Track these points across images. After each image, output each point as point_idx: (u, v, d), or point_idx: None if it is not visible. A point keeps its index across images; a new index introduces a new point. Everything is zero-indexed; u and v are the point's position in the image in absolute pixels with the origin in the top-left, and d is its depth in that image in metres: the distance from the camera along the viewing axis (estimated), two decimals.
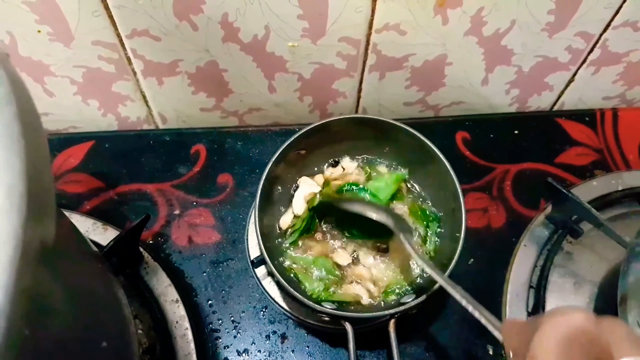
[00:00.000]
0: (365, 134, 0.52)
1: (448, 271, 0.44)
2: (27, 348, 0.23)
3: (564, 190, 0.52)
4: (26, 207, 0.18)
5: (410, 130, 0.49)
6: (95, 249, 0.46)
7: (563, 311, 0.28)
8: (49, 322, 0.28)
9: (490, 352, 0.51)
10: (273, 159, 0.49)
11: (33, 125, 0.20)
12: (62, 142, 0.62)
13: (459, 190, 0.47)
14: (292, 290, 0.44)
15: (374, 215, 0.45)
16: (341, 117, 0.51)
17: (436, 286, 0.43)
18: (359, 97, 0.65)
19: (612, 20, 0.57)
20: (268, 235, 0.50)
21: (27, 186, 0.18)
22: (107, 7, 0.50)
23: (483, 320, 0.35)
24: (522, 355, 0.28)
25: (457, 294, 0.38)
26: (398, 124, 0.50)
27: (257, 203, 0.47)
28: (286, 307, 0.51)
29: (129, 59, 0.56)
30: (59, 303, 0.29)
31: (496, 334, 0.34)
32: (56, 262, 0.31)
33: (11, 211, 0.17)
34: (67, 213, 0.55)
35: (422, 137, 0.49)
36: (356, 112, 0.68)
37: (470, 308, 0.37)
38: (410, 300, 0.43)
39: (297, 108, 0.66)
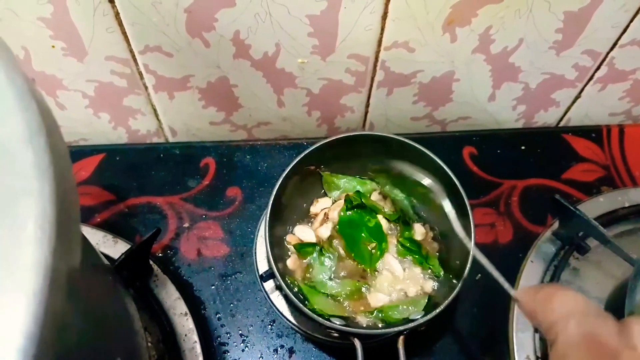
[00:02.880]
0: (374, 151, 0.53)
1: (459, 286, 0.44)
2: None
3: (571, 207, 0.53)
4: (56, 236, 0.18)
5: (419, 148, 0.50)
6: (106, 262, 0.47)
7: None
8: (65, 337, 0.28)
9: None
10: (284, 174, 0.49)
11: (61, 154, 0.21)
12: (73, 154, 0.62)
13: (468, 205, 0.47)
14: (300, 305, 0.44)
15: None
16: (352, 134, 0.51)
17: (445, 303, 0.44)
18: (366, 112, 0.66)
19: (619, 39, 0.58)
20: (277, 249, 0.50)
21: (57, 215, 0.18)
22: (120, 24, 0.51)
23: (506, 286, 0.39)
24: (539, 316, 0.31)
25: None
26: (407, 141, 0.50)
27: (268, 217, 0.47)
28: (294, 322, 0.51)
29: (140, 74, 0.57)
30: (74, 318, 0.30)
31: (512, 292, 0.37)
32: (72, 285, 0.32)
33: (42, 240, 0.17)
34: None
35: (432, 154, 0.49)
36: (363, 126, 0.68)
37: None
38: (419, 317, 0.44)
39: (305, 122, 0.66)
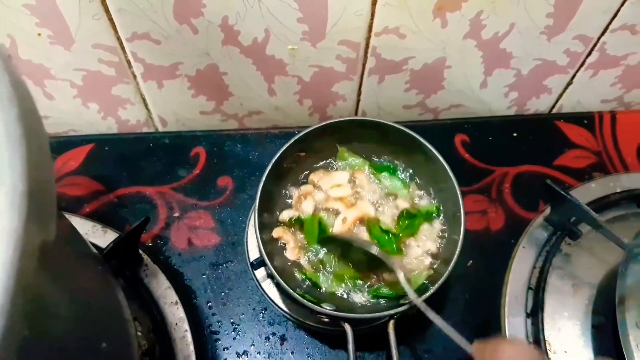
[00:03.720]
0: (365, 137, 0.53)
1: (447, 273, 0.44)
2: (27, 348, 0.23)
3: (563, 192, 0.53)
4: (27, 208, 0.18)
5: (410, 133, 0.50)
6: (95, 251, 0.46)
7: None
8: (49, 322, 0.28)
9: None
10: (273, 160, 0.49)
11: (35, 126, 0.20)
12: (61, 145, 0.62)
13: (458, 192, 0.47)
14: (291, 291, 0.44)
15: (373, 249, 0.46)
16: (341, 119, 0.51)
17: (435, 287, 0.44)
18: (358, 100, 0.65)
19: (610, 23, 0.58)
20: (267, 237, 0.50)
21: (29, 187, 0.18)
22: (107, 10, 0.50)
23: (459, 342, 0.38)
24: None
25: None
26: (397, 126, 0.50)
27: (257, 205, 0.47)
28: (285, 309, 0.51)
29: (129, 62, 0.56)
30: (59, 304, 0.29)
31: (468, 349, 0.37)
32: (56, 264, 0.31)
33: (12, 211, 0.17)
34: (67, 216, 0.55)
35: (422, 140, 0.49)
36: (355, 115, 0.68)
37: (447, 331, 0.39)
38: (409, 301, 0.43)
39: (296, 111, 0.66)
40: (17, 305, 0.17)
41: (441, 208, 0.51)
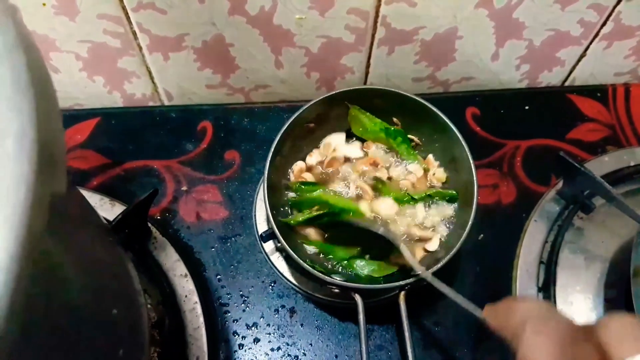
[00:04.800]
0: (375, 107, 0.52)
1: (458, 245, 0.44)
2: (39, 307, 0.23)
3: (577, 165, 0.52)
4: (37, 154, 0.17)
5: (422, 102, 0.49)
6: (104, 221, 0.46)
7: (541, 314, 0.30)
8: (61, 286, 0.27)
9: None
10: (281, 131, 0.48)
11: (42, 74, 0.19)
12: (67, 119, 0.61)
13: (472, 162, 0.46)
14: (302, 262, 0.44)
15: (380, 229, 0.46)
16: (350, 88, 0.50)
17: (446, 259, 0.43)
18: (366, 73, 0.64)
19: None
20: (276, 210, 0.49)
21: (38, 133, 0.17)
22: None
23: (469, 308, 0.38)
24: (508, 329, 0.31)
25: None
26: (410, 95, 0.49)
27: (266, 176, 0.46)
28: (295, 282, 0.51)
29: (134, 33, 0.55)
30: (70, 269, 0.29)
31: (479, 314, 0.36)
32: (67, 229, 0.31)
33: (21, 156, 0.17)
34: None
35: (434, 109, 0.48)
36: None
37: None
38: (420, 272, 0.43)
39: (303, 85, 0.65)
40: (29, 252, 0.16)
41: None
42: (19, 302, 0.16)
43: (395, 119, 0.53)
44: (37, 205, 0.17)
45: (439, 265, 0.43)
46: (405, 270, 0.47)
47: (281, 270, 0.52)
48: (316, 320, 0.51)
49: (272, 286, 0.53)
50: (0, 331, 0.15)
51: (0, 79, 0.18)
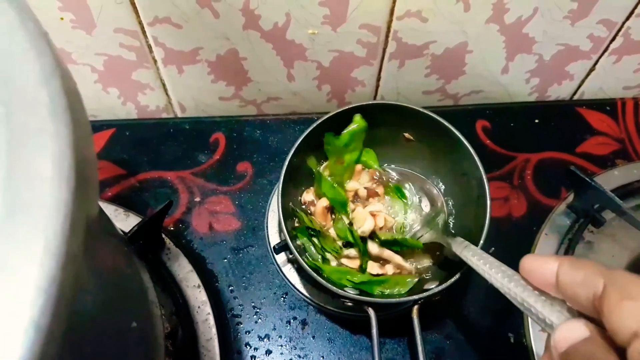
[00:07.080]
0: (386, 122, 0.52)
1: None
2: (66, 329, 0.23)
3: (587, 179, 0.52)
4: (75, 179, 0.18)
5: (434, 117, 0.49)
6: (120, 232, 0.46)
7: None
8: (86, 302, 0.28)
9: (512, 341, 0.51)
10: (295, 145, 0.49)
11: (76, 101, 0.20)
12: None
13: (484, 175, 0.46)
14: (315, 275, 0.44)
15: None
16: (362, 103, 0.51)
17: (460, 273, 0.43)
18: (377, 86, 0.65)
19: (635, 7, 0.57)
20: (289, 221, 0.50)
21: (75, 157, 0.18)
22: None
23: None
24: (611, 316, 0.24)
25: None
26: (421, 109, 0.50)
27: (281, 185, 0.47)
28: (306, 294, 0.51)
29: (149, 46, 0.56)
30: (94, 283, 0.30)
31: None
32: (92, 245, 0.32)
33: (60, 180, 0.17)
34: None
35: (447, 123, 0.49)
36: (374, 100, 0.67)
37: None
38: (434, 287, 0.43)
39: (315, 97, 0.66)
40: (68, 275, 0.17)
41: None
42: (59, 325, 0.16)
43: (406, 134, 0.54)
44: (75, 229, 0.17)
45: (451, 281, 0.43)
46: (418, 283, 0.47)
47: (293, 282, 0.52)
48: (328, 333, 0.51)
49: (284, 298, 0.53)
50: (42, 356, 0.15)
51: (40, 104, 0.18)
